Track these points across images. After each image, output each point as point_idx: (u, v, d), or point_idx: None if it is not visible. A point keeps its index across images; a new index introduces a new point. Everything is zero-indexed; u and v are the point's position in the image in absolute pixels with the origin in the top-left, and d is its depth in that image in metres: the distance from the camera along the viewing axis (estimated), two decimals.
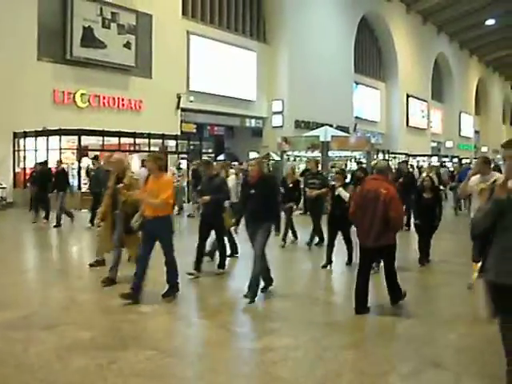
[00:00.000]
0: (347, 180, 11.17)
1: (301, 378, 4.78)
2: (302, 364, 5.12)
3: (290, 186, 12.60)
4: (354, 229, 7.65)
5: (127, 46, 25.11)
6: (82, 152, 21.42)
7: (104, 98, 24.44)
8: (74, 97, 23.28)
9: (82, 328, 6.05)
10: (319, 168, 14.03)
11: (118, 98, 25.02)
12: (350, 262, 9.82)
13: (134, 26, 25.26)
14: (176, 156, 22.96)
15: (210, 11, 31.14)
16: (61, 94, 22.87)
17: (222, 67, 30.53)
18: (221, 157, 31.53)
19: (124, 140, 22.98)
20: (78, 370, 4.85)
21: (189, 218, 17.94)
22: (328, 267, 9.60)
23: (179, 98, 27.65)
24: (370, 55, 47.08)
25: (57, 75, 22.65)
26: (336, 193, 9.68)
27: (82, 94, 23.50)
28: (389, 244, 6.72)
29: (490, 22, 49.67)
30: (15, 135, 22.01)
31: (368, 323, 6.54)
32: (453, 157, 49.68)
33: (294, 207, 12.57)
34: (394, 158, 37.70)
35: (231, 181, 11.36)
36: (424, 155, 46.22)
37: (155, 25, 26.37)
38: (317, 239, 12.14)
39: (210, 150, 26.14)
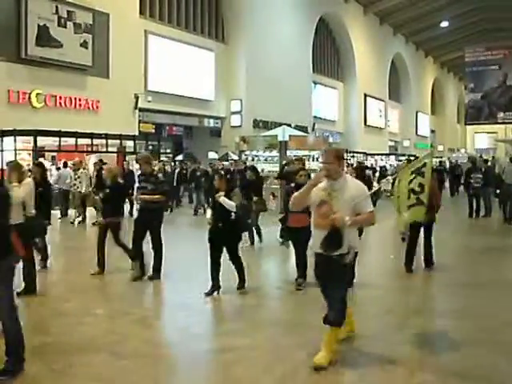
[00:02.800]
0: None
1: (258, 378, 4.82)
2: (260, 363, 5.16)
3: (108, 191, 9.17)
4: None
5: (84, 45, 24.70)
6: (38, 153, 21.05)
7: (60, 98, 23.99)
8: (29, 97, 22.76)
9: (35, 332, 5.92)
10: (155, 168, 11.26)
11: (75, 98, 24.60)
12: (242, 285, 7.79)
13: (90, 25, 24.86)
14: (134, 156, 22.72)
15: (168, 11, 30.91)
16: (16, 93, 22.32)
17: (180, 67, 30.34)
18: (179, 157, 31.37)
19: (81, 141, 22.64)
20: (32, 376, 4.78)
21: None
22: (216, 293, 7.61)
23: (137, 98, 27.38)
24: (329, 55, 47.45)
25: (11, 75, 22.12)
26: (219, 201, 7.60)
27: (38, 94, 23.02)
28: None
29: (444, 24, 50.66)
30: None
31: None
32: (409, 155, 50.49)
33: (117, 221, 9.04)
34: (353, 157, 38.10)
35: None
36: (381, 154, 46.75)
37: (112, 24, 26.00)
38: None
39: (168, 150, 25.95)
